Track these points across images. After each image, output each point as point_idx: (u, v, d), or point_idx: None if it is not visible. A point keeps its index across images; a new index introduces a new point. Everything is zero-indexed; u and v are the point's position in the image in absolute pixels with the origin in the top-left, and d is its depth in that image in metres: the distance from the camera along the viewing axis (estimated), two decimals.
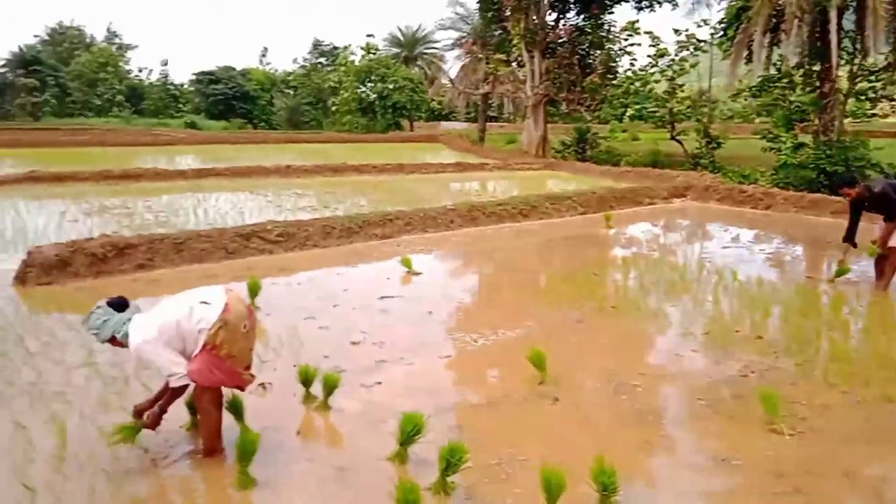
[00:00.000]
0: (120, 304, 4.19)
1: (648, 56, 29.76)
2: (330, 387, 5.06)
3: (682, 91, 29.43)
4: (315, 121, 58.96)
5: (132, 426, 4.24)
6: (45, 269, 8.16)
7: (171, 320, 4.04)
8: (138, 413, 4.35)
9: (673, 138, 29.14)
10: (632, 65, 30.91)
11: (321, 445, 4.59)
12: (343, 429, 4.78)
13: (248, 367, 4.25)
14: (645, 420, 4.97)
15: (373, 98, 44.64)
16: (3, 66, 58.92)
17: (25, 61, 57.84)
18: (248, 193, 16.13)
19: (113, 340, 4.14)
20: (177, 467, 4.19)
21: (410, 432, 4.22)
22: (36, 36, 75.57)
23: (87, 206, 13.55)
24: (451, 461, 3.84)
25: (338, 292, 8.23)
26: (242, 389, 4.40)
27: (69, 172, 17.22)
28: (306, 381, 5.17)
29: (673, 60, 28.89)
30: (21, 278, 8.08)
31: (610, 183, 19.43)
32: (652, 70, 29.56)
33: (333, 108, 49.91)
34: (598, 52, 29.32)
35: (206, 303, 4.09)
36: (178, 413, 4.51)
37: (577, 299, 8.07)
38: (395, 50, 56.17)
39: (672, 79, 28.85)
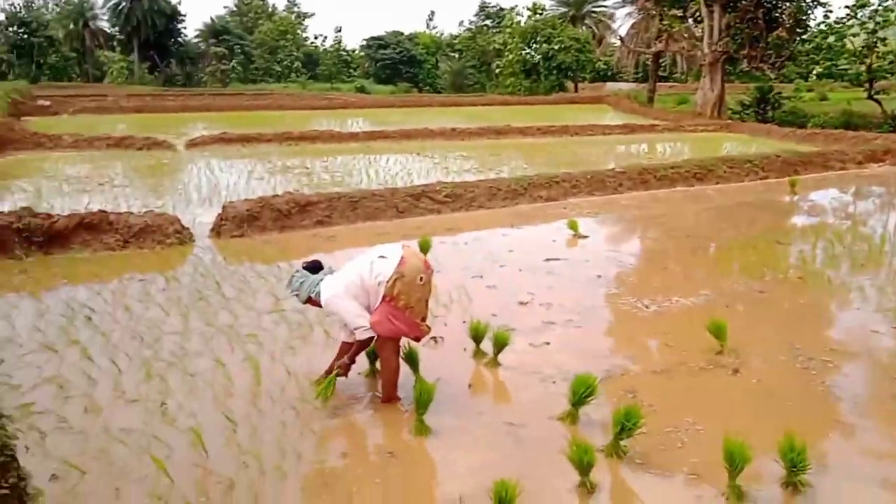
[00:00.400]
0: (314, 268, 4.57)
1: (846, 7, 26.98)
2: (500, 344, 5.14)
3: (885, 45, 26.46)
4: (479, 84, 59.20)
5: (329, 381, 4.53)
6: (237, 222, 8.87)
7: (354, 277, 4.32)
8: (327, 372, 4.67)
9: (871, 97, 26.39)
10: (826, 17, 28.20)
11: (491, 400, 4.68)
12: (512, 386, 4.85)
13: (423, 319, 4.42)
14: (833, 398, 4.64)
15: (537, 60, 43.99)
16: (197, 36, 64.08)
17: (215, 31, 62.52)
18: (416, 155, 16.56)
19: (310, 300, 4.51)
20: (358, 409, 4.46)
21: (583, 394, 4.20)
22: (225, 7, 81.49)
23: (271, 165, 14.53)
24: (625, 425, 3.79)
25: (503, 253, 8.30)
26: (419, 340, 4.60)
27: (254, 134, 18.49)
28: (476, 337, 5.29)
29: (875, 11, 25.98)
30: (217, 230, 8.84)
31: (793, 146, 18.01)
32: (850, 22, 26.77)
33: (497, 71, 49.79)
34: (787, 3, 26.98)
35: (383, 257, 4.31)
36: (359, 363, 4.79)
37: (758, 269, 7.61)
38: (563, 9, 54.84)
39: (873, 31, 25.99)
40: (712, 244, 9.08)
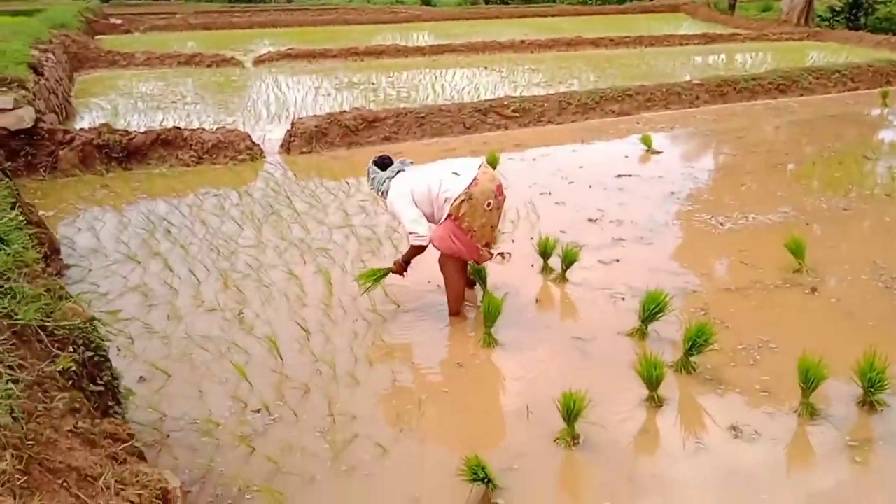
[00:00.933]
0: (382, 163, 4.57)
1: None
2: (569, 260, 5.11)
3: None
4: None
5: (376, 272, 4.66)
6: (306, 138, 8.94)
7: (423, 187, 4.32)
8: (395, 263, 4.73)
9: None
10: None
11: (559, 315, 4.70)
12: (580, 302, 4.85)
13: (488, 245, 4.43)
14: None
15: None
16: None
17: None
18: (483, 69, 16.21)
19: (381, 194, 4.56)
20: (426, 322, 4.55)
21: (653, 310, 4.17)
22: None
23: (338, 81, 14.48)
24: (696, 341, 3.76)
25: (573, 169, 8.15)
26: (479, 264, 4.64)
27: (320, 50, 18.36)
28: (545, 253, 5.27)
29: None
30: (286, 146, 8.95)
31: (887, 55, 16.81)
32: None
33: None
34: None
35: (456, 174, 4.28)
36: (431, 273, 4.86)
37: (842, 185, 7.28)
38: None
39: None
40: (794, 160, 8.68)
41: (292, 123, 9.17)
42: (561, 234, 5.91)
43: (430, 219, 4.39)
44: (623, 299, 4.82)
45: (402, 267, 4.64)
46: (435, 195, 4.27)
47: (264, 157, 8.58)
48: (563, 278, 5.14)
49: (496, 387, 3.87)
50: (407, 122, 9.69)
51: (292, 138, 8.94)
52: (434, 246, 4.36)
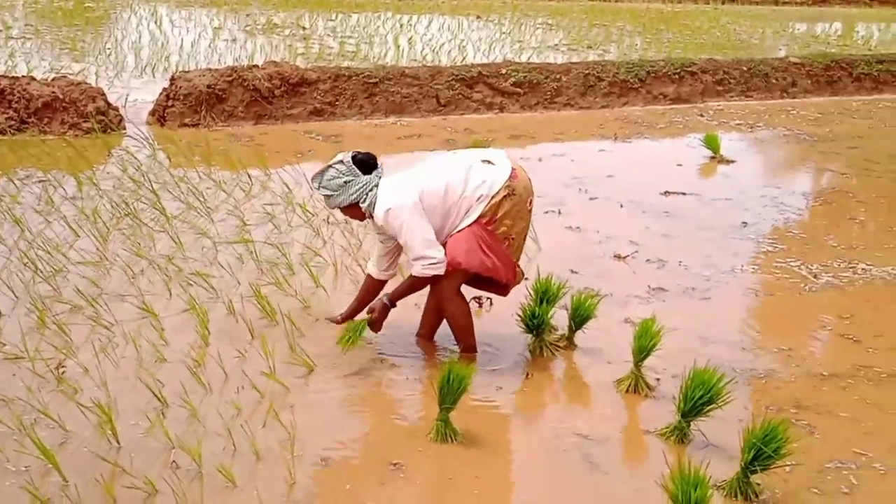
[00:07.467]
0: (368, 164, 4.64)
1: None
2: (580, 316, 5.12)
3: None
4: None
5: (358, 325, 4.76)
6: (192, 103, 8.95)
7: (437, 184, 4.51)
8: (353, 312, 4.92)
9: None
10: None
11: (558, 400, 4.77)
12: (593, 381, 4.89)
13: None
14: None
15: None
16: None
17: None
18: (473, 19, 16.39)
19: (351, 208, 4.66)
20: (348, 393, 4.52)
21: (700, 399, 4.17)
22: None
23: (249, 20, 14.53)
24: (763, 450, 3.75)
25: (598, 179, 8.24)
26: (505, 292, 4.88)
27: None
28: (544, 302, 5.24)
29: None
30: (160, 114, 8.93)
31: None
32: None
33: None
34: None
35: (489, 162, 4.52)
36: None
37: None
38: None
39: None
40: None
41: (172, 79, 9.18)
42: (572, 276, 5.94)
43: (438, 234, 4.56)
44: (658, 380, 4.83)
45: (385, 311, 4.75)
46: (458, 196, 4.50)
47: (124, 127, 8.59)
48: (568, 343, 5.15)
49: None
50: (351, 88, 9.76)
51: (170, 102, 8.95)
52: (455, 262, 4.50)
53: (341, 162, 4.59)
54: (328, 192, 4.60)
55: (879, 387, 4.93)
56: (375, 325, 4.77)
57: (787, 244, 7.02)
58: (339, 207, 4.66)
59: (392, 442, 4.21)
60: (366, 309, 4.80)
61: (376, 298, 4.77)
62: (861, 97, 12.42)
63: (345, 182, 4.57)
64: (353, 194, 4.56)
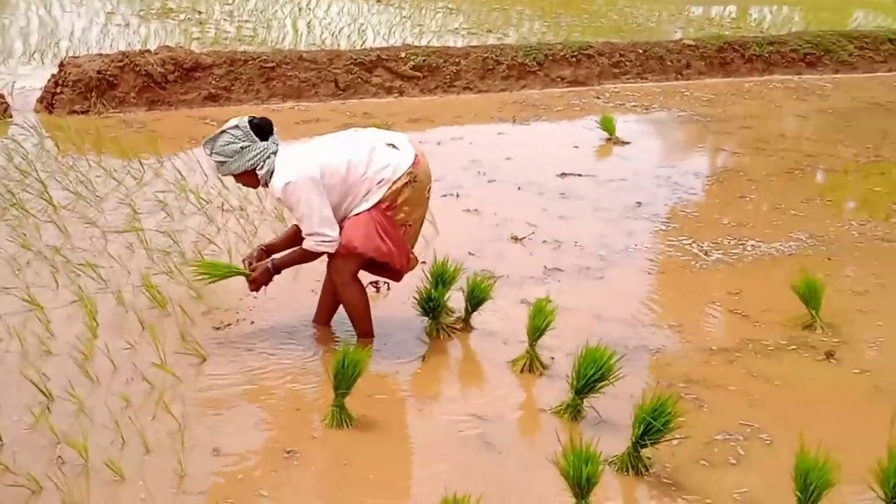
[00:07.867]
0: (264, 129, 4.54)
1: None
2: (476, 298, 5.14)
3: None
4: None
5: (224, 267, 4.75)
6: (82, 90, 8.79)
7: (339, 161, 4.48)
8: (248, 260, 4.78)
9: None
10: None
11: (454, 381, 4.79)
12: (488, 362, 4.92)
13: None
14: None
15: None
16: None
17: None
18: (375, 3, 16.30)
19: (246, 175, 4.57)
20: (242, 382, 4.47)
21: (592, 377, 4.23)
22: None
23: (142, 4, 14.25)
24: (652, 425, 3.81)
25: (496, 161, 8.28)
26: (399, 278, 4.93)
27: None
28: (441, 284, 5.25)
29: None
30: (48, 101, 8.75)
31: None
32: None
33: None
34: None
35: (393, 147, 4.52)
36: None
37: (884, 205, 7.70)
38: None
39: None
40: (819, 165, 9.08)
41: (61, 65, 9.01)
42: (469, 258, 5.96)
43: (335, 211, 4.52)
44: (552, 358, 4.88)
45: (268, 276, 4.69)
46: (360, 176, 4.47)
47: (10, 115, 8.41)
48: (465, 324, 5.18)
49: (343, 492, 3.83)
50: (246, 73, 9.68)
51: (59, 89, 8.79)
52: (350, 248, 4.48)
53: (236, 127, 4.48)
54: (222, 159, 4.49)
55: (766, 359, 5.05)
56: (254, 284, 4.69)
57: (679, 223, 7.14)
58: (233, 174, 4.57)
59: (286, 429, 4.20)
60: (247, 262, 4.72)
61: (263, 262, 4.68)
62: (753, 78, 12.68)
63: (241, 148, 4.46)
64: (249, 160, 4.46)
